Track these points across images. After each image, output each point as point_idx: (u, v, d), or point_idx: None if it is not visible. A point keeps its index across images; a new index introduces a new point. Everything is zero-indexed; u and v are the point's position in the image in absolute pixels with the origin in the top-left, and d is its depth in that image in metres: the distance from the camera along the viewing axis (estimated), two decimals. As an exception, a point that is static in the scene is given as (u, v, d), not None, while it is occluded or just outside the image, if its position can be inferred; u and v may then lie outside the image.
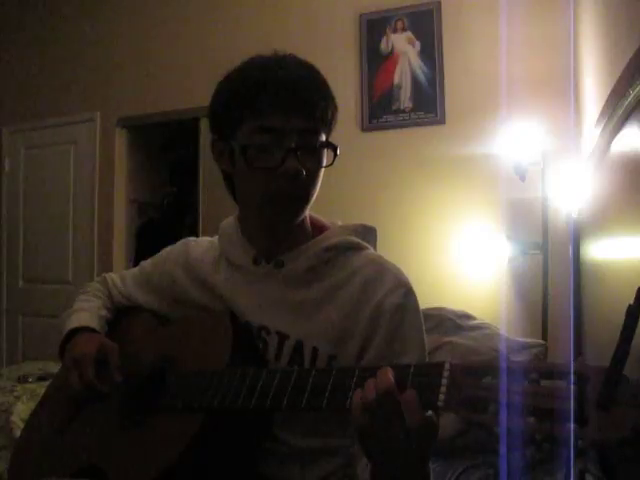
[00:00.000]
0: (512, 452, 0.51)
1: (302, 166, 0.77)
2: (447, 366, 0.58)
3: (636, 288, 0.52)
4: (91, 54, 3.59)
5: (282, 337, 0.83)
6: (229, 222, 0.96)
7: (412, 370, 0.60)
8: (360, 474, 0.79)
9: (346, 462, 0.84)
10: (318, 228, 0.91)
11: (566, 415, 0.50)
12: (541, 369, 0.54)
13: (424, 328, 0.83)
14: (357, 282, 0.83)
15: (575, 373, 0.51)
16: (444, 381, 0.57)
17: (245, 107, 0.78)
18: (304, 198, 0.82)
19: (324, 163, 0.82)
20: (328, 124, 0.83)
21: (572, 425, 0.48)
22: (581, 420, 0.49)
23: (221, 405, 0.73)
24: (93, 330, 0.99)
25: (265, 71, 0.79)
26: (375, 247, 0.93)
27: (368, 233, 0.92)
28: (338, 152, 0.82)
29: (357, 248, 0.88)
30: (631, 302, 0.52)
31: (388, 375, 0.60)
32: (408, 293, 0.82)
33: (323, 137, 0.81)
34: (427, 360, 0.82)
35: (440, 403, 0.56)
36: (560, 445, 0.50)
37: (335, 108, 0.84)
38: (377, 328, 0.80)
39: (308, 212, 0.89)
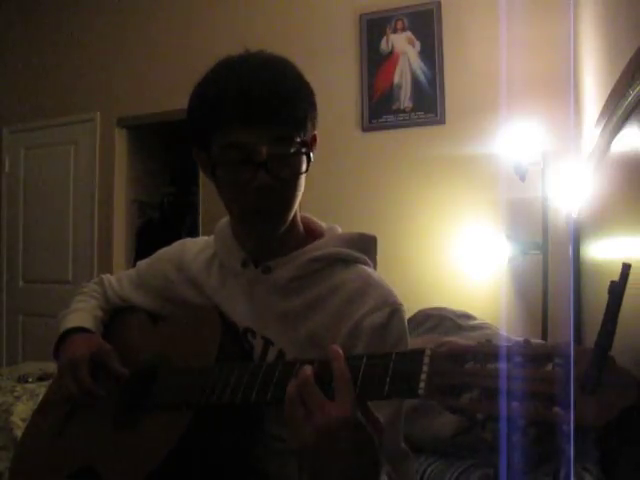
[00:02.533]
0: (496, 439, 0.50)
1: (276, 178, 0.73)
2: (428, 352, 0.57)
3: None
4: (91, 54, 3.59)
5: (267, 342, 0.83)
6: (224, 222, 0.94)
7: (393, 358, 0.59)
8: None
9: None
10: (313, 234, 0.88)
11: (551, 399, 0.48)
12: (525, 352, 0.52)
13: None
14: (341, 296, 0.80)
15: (560, 355, 0.50)
16: (425, 368, 0.56)
17: (211, 123, 0.75)
18: (283, 209, 0.79)
19: (303, 169, 0.77)
20: (302, 125, 0.76)
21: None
22: (566, 404, 0.47)
23: (206, 402, 0.73)
24: (88, 330, 0.99)
25: (227, 81, 0.74)
26: (375, 256, 0.89)
27: (366, 243, 0.87)
28: (312, 158, 0.78)
29: (347, 261, 0.83)
30: (614, 279, 0.51)
31: (305, 369, 0.61)
32: (393, 313, 0.77)
33: (298, 140, 0.76)
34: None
35: (421, 391, 0.55)
36: (545, 430, 0.48)
37: (310, 104, 0.78)
38: (353, 347, 0.76)
39: (301, 215, 0.87)
